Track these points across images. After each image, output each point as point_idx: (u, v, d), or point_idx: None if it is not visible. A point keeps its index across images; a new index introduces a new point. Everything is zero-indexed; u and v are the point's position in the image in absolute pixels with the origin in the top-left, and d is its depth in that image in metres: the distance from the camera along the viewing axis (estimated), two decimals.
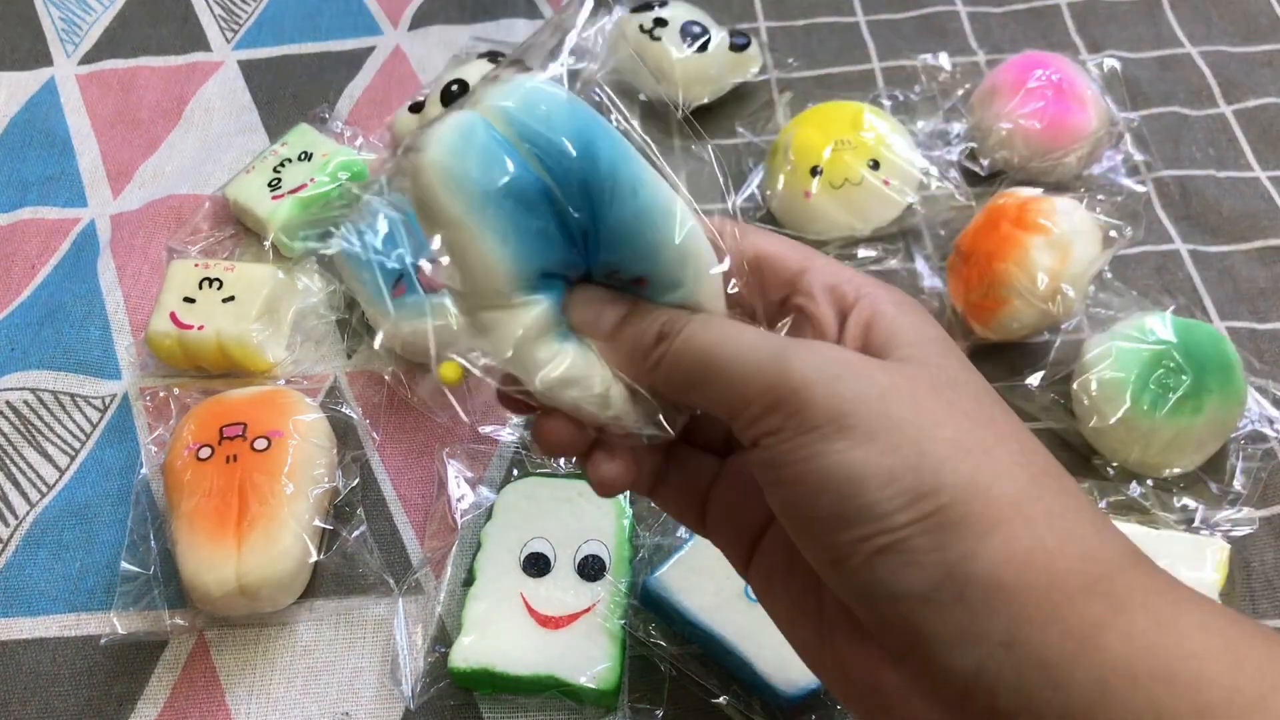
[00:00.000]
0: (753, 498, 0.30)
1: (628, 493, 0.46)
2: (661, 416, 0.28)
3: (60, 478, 0.51)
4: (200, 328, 0.52)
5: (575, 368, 0.27)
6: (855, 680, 0.27)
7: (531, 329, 0.27)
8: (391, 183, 0.26)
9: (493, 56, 0.64)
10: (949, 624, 0.23)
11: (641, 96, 0.31)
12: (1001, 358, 0.52)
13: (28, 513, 0.50)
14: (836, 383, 0.25)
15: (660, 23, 0.64)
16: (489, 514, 0.46)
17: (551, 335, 0.28)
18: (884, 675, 0.26)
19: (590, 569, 0.44)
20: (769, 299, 0.29)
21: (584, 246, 0.27)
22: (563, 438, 0.28)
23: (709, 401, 0.27)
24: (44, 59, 0.72)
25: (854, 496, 0.24)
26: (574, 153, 0.26)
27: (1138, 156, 0.61)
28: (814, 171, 0.57)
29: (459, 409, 0.33)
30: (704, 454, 0.32)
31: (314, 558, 0.45)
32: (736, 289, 0.28)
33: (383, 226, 0.29)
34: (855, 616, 0.26)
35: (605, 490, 0.29)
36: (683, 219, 0.27)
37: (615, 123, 0.28)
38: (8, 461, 0.51)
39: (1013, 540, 0.23)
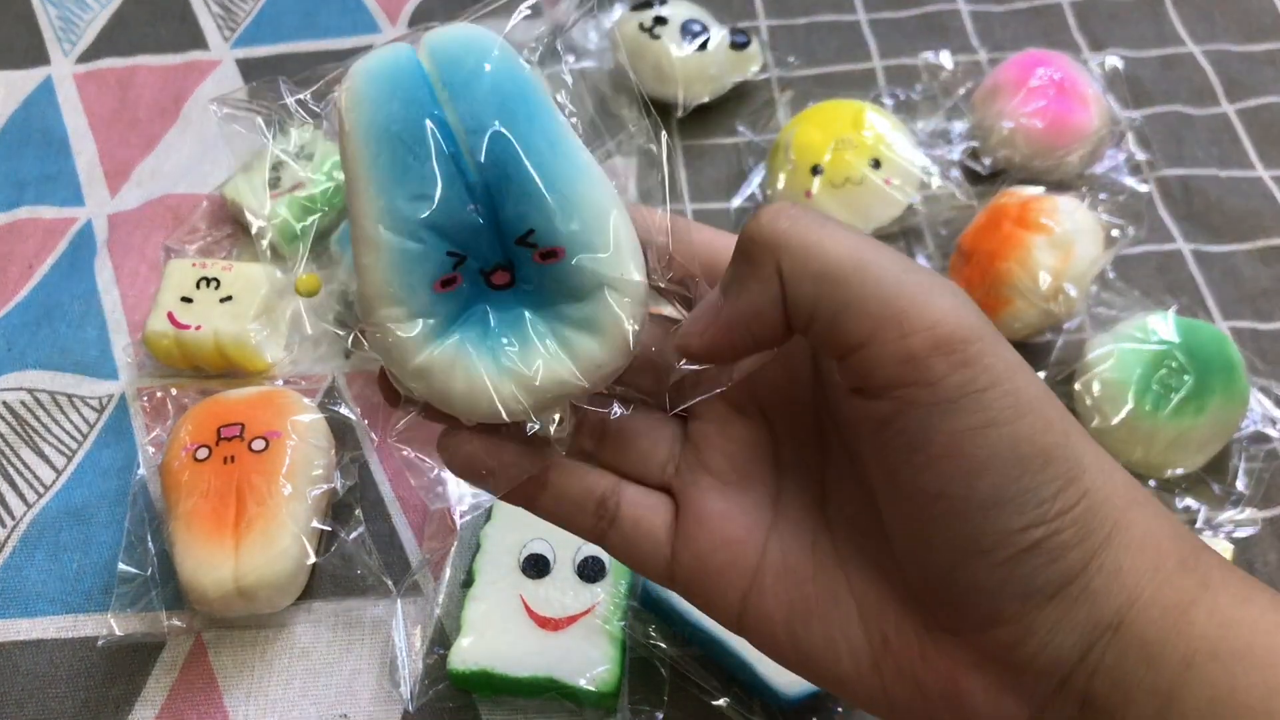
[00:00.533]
0: (740, 535, 0.26)
1: None
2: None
3: (57, 478, 0.51)
4: (198, 328, 0.52)
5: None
6: (931, 693, 0.24)
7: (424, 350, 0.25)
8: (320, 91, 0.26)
9: None
10: (1070, 617, 0.22)
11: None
12: None
13: (25, 514, 0.49)
14: (993, 338, 0.21)
15: (660, 21, 0.63)
16: (488, 515, 0.46)
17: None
18: (967, 680, 0.23)
19: (590, 570, 0.44)
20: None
21: (485, 205, 0.25)
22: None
23: (844, 315, 0.21)
24: (41, 57, 0.72)
25: (1017, 479, 0.21)
26: (490, 101, 0.25)
27: (1140, 155, 0.60)
28: (815, 171, 0.57)
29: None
30: (650, 490, 0.27)
31: (312, 559, 0.45)
32: (668, 277, 0.26)
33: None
34: (928, 627, 0.24)
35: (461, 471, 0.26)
36: (599, 178, 0.25)
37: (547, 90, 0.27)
38: (4, 462, 0.51)
39: (1134, 522, 0.22)
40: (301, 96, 0.26)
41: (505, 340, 0.25)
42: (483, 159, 0.25)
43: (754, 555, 0.26)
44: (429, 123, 0.24)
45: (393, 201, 0.24)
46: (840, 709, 0.41)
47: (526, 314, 0.25)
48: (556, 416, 0.26)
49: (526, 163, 0.25)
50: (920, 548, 0.23)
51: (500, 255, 0.25)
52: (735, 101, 0.65)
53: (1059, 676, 0.22)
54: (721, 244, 0.26)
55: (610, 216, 0.25)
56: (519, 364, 0.25)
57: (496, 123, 0.25)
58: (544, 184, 0.24)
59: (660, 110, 0.63)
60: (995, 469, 0.21)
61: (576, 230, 0.24)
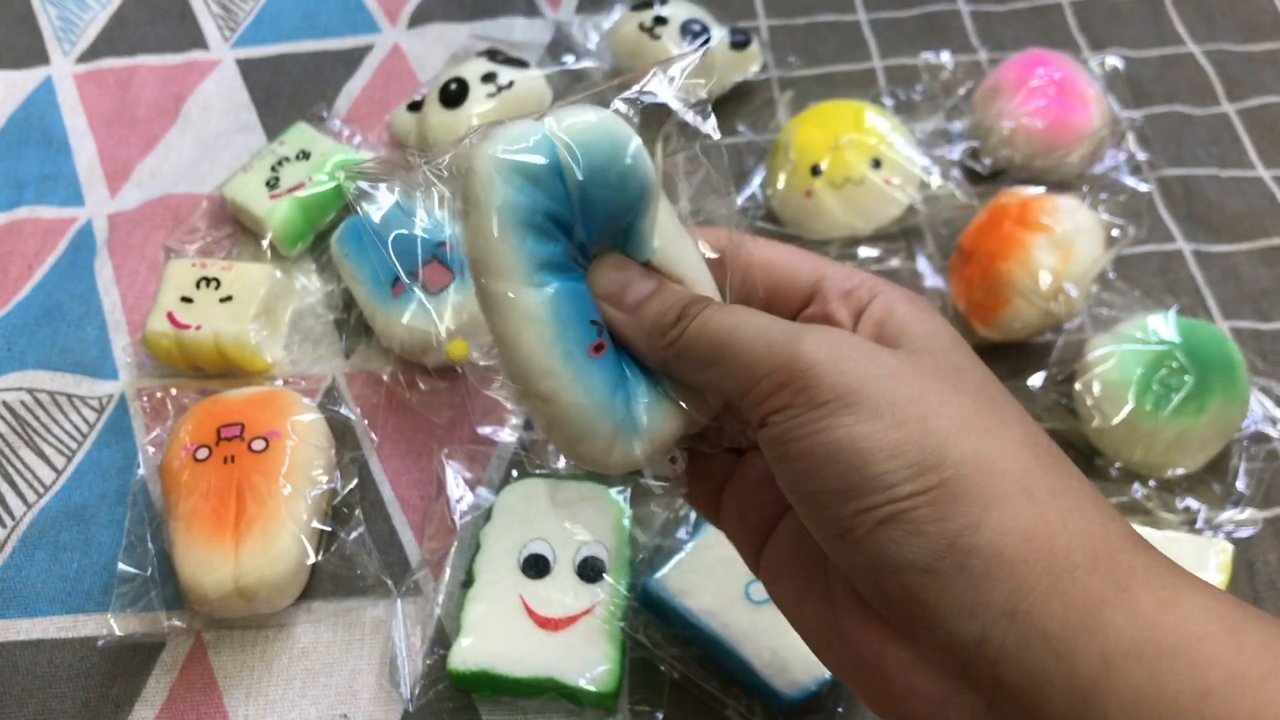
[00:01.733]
0: (765, 494, 0.31)
1: (628, 493, 0.46)
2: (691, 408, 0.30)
3: (57, 479, 0.51)
4: (198, 328, 0.52)
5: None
6: (861, 659, 0.27)
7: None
8: (451, 163, 0.28)
9: (492, 54, 0.63)
10: (951, 594, 0.24)
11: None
12: (1004, 358, 0.52)
13: (24, 514, 0.49)
14: (844, 362, 0.26)
15: (660, 21, 0.63)
16: (488, 515, 0.46)
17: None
18: (889, 652, 0.26)
19: (590, 570, 0.43)
20: (785, 310, 0.30)
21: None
22: None
23: (720, 379, 0.28)
24: (41, 57, 0.72)
25: (860, 468, 0.25)
26: (616, 201, 0.29)
27: (1140, 155, 0.60)
28: (815, 170, 0.57)
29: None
30: (722, 452, 0.33)
31: (312, 559, 0.45)
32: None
33: (432, 201, 0.30)
34: (860, 594, 0.26)
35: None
36: (689, 247, 0.30)
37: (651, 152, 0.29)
38: (4, 463, 0.51)
39: (1015, 514, 0.24)
40: (435, 169, 0.29)
41: (643, 400, 0.29)
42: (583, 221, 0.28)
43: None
44: (564, 215, 0.28)
45: (533, 277, 0.27)
46: (840, 709, 0.41)
47: (644, 374, 0.30)
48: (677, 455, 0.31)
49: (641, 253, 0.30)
50: (819, 536, 0.27)
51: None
52: (735, 101, 0.65)
53: (961, 656, 0.24)
54: (784, 259, 0.30)
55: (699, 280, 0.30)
56: (653, 418, 0.29)
57: (621, 221, 0.29)
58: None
59: (660, 111, 0.63)
60: (837, 462, 0.25)
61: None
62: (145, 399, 0.52)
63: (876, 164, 0.56)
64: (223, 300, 0.53)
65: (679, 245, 0.30)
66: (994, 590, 0.23)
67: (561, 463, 0.48)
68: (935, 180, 0.57)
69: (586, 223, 0.28)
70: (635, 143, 0.29)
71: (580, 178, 0.27)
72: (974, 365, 0.28)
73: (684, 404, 0.29)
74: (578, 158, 0.27)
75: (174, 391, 0.52)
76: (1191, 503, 0.46)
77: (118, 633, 0.44)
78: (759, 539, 0.31)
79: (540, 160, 0.27)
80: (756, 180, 0.61)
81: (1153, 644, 0.22)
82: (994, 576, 0.23)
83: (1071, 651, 0.22)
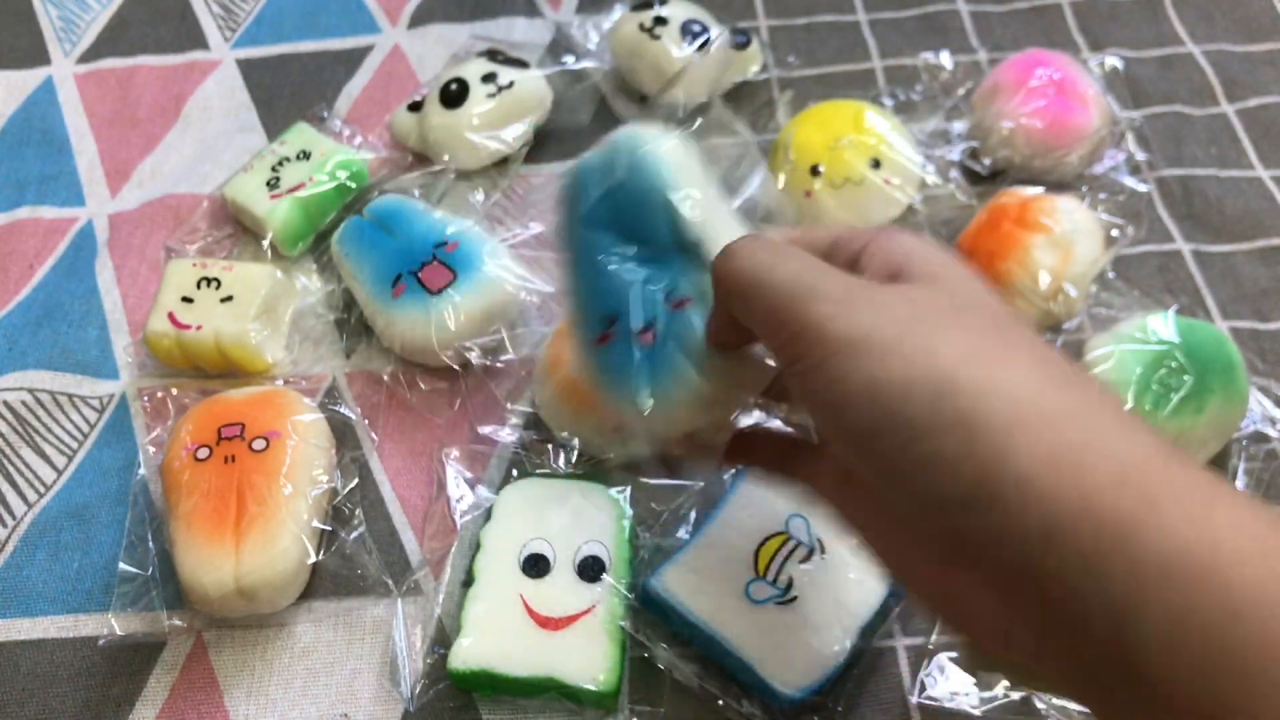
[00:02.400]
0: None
1: (628, 493, 0.47)
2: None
3: (58, 478, 0.51)
4: (198, 327, 0.52)
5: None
6: (926, 588, 0.29)
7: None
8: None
9: (492, 55, 0.63)
10: (990, 526, 0.24)
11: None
12: None
13: (25, 513, 0.49)
14: (854, 306, 0.27)
15: (660, 21, 0.64)
16: (488, 515, 0.46)
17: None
18: (951, 576, 0.27)
19: (590, 570, 0.44)
20: None
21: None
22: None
23: (750, 319, 0.30)
24: (42, 57, 0.72)
25: (877, 407, 0.26)
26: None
27: (1140, 156, 0.60)
28: (815, 171, 0.57)
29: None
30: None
31: (312, 559, 0.45)
32: None
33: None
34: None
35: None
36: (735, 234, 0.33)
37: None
38: (5, 462, 0.51)
39: (1037, 437, 0.24)
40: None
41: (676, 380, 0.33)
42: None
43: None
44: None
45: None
46: (840, 708, 0.41)
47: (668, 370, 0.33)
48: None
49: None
50: (867, 477, 0.28)
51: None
52: (735, 101, 0.65)
53: (1009, 581, 0.25)
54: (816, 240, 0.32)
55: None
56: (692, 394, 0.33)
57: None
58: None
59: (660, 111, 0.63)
60: (855, 405, 0.26)
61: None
62: (146, 399, 0.52)
63: (876, 164, 0.56)
64: (223, 300, 0.53)
65: (719, 219, 0.34)
66: (1028, 517, 0.23)
67: (561, 461, 0.48)
68: (935, 180, 0.57)
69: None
70: (646, 143, 0.34)
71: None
72: (985, 297, 0.28)
73: (692, 400, 0.32)
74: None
75: (175, 391, 0.52)
76: None
77: (118, 632, 0.44)
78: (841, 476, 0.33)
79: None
80: (757, 180, 0.61)
81: (1183, 565, 0.22)
82: (1026, 504, 0.24)
83: (1105, 573, 0.23)
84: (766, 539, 0.44)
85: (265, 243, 0.57)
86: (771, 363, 0.33)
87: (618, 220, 0.34)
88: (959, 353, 0.25)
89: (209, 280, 0.53)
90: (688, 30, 0.63)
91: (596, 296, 0.35)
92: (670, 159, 0.34)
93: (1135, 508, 0.23)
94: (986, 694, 0.41)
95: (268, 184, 0.58)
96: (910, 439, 0.25)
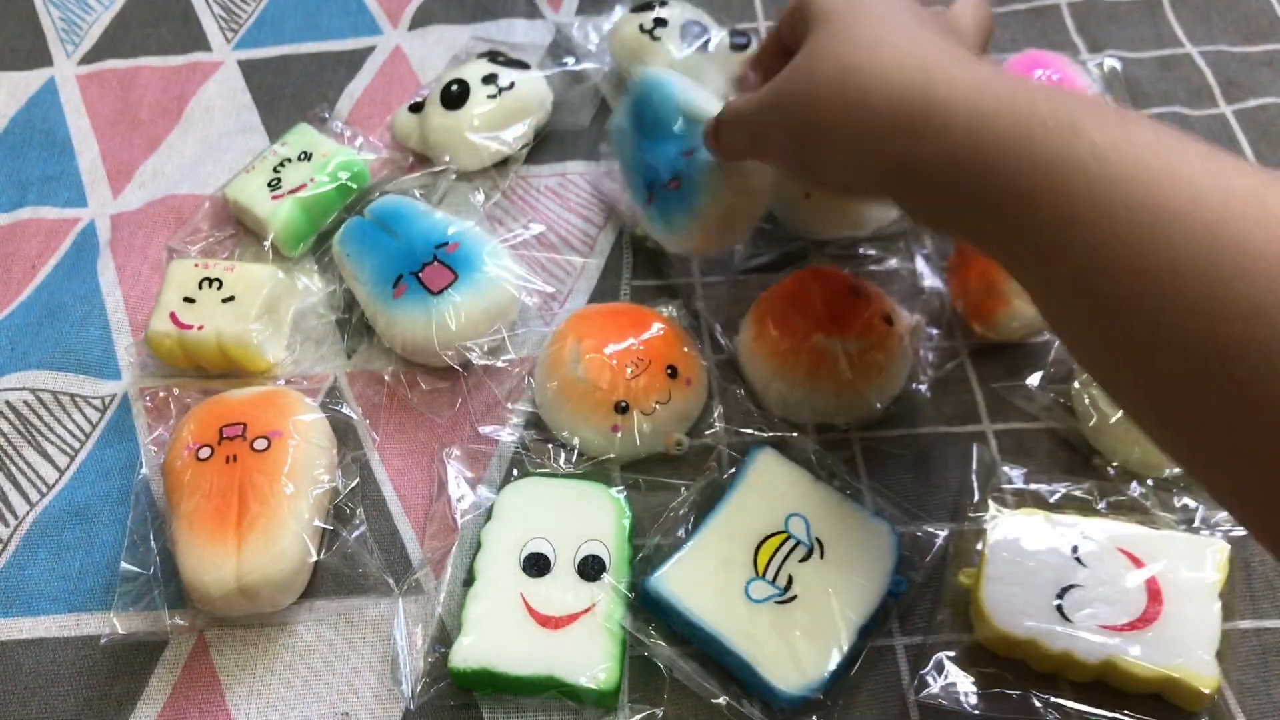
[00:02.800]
0: None
1: (627, 492, 0.47)
2: None
3: (60, 478, 0.51)
4: (200, 328, 0.52)
5: None
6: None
7: None
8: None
9: (492, 56, 0.64)
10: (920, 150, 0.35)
11: None
12: (1001, 358, 0.52)
13: (27, 513, 0.50)
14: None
15: (660, 23, 0.64)
16: (489, 514, 0.46)
17: None
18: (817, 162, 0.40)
19: (590, 569, 0.44)
20: None
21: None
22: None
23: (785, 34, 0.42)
24: (44, 59, 0.72)
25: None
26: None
27: None
28: None
29: None
30: None
31: (314, 558, 0.45)
32: None
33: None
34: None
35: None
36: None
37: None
38: (7, 462, 0.51)
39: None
40: None
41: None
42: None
43: None
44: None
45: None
46: (839, 707, 0.41)
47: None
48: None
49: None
50: None
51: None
52: None
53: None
54: None
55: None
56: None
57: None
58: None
59: None
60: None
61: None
62: (148, 399, 0.53)
63: None
64: (225, 300, 0.53)
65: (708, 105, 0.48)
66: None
67: (561, 461, 0.49)
68: None
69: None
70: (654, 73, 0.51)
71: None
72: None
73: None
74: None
75: (176, 391, 0.52)
76: (1189, 501, 0.46)
77: (120, 631, 0.44)
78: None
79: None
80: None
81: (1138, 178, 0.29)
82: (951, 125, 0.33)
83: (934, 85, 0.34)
84: (766, 538, 0.44)
85: (267, 243, 0.57)
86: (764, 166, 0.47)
87: (643, 123, 0.51)
88: (848, 52, 0.36)
89: (211, 280, 0.54)
90: (688, 32, 0.63)
91: (639, 173, 0.52)
92: (671, 78, 0.50)
93: (1064, 143, 0.30)
94: (985, 692, 0.41)
95: (269, 185, 0.59)
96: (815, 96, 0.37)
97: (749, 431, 0.49)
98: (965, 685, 0.41)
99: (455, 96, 0.61)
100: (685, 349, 0.51)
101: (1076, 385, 0.49)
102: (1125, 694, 0.40)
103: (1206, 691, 0.39)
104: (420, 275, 0.52)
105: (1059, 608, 0.41)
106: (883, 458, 0.49)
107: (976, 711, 0.41)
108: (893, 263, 0.57)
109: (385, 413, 0.52)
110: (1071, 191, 0.29)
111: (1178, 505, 0.46)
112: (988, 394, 0.51)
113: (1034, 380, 0.50)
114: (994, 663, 0.42)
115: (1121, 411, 0.46)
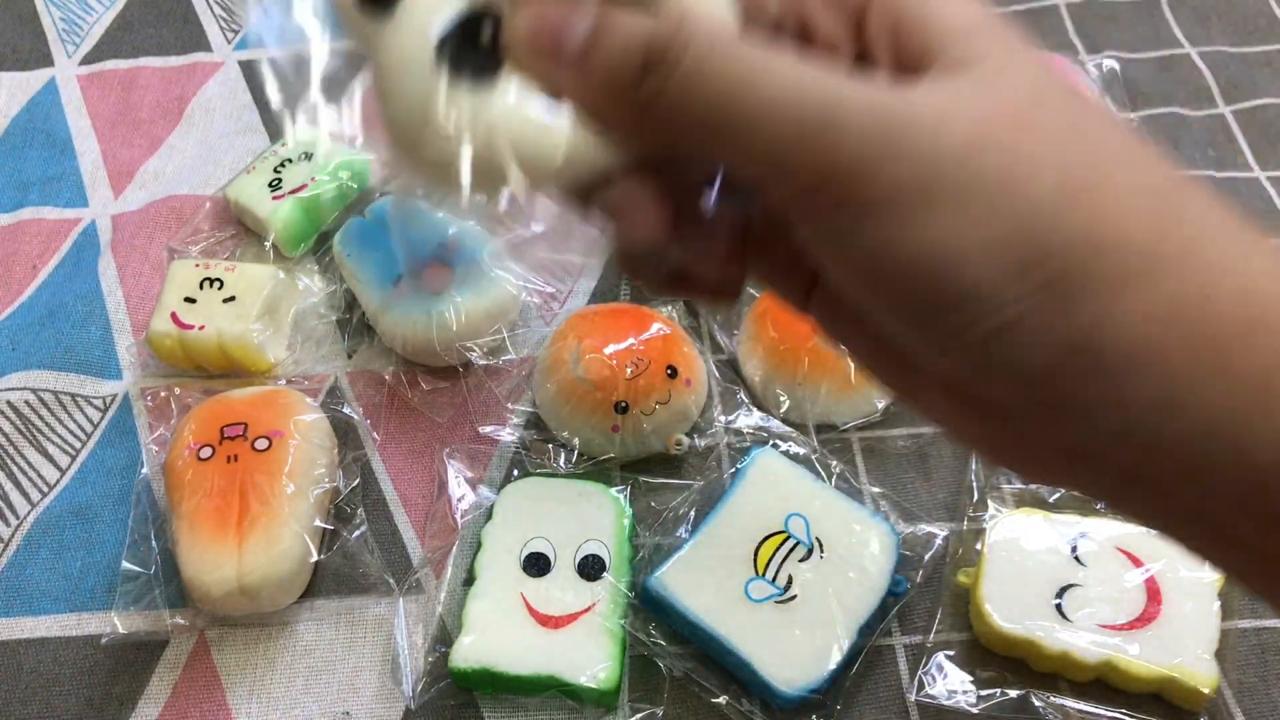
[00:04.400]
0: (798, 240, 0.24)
1: (626, 492, 0.47)
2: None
3: (61, 478, 0.51)
4: (201, 328, 0.52)
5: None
6: (951, 425, 0.24)
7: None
8: None
9: None
10: (1089, 394, 0.20)
11: None
12: None
13: (29, 512, 0.50)
14: (892, 147, 0.19)
15: None
16: (489, 514, 0.46)
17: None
18: (990, 429, 0.23)
19: (590, 569, 0.44)
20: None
21: None
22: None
23: (730, 163, 0.22)
24: (45, 59, 0.72)
25: (950, 280, 0.19)
26: None
27: None
28: None
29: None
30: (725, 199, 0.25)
31: (314, 558, 0.45)
32: None
33: None
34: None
35: (630, 248, 0.24)
36: None
37: None
38: (9, 461, 0.52)
39: (1153, 294, 0.19)
40: None
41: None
42: None
43: None
44: None
45: None
46: (839, 706, 0.41)
47: None
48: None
49: None
50: (907, 344, 0.22)
51: None
52: None
53: (1100, 448, 0.21)
54: None
55: None
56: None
57: None
58: None
59: None
60: (919, 276, 0.20)
61: None
62: (149, 398, 0.53)
63: None
64: (226, 300, 0.53)
65: None
66: (1143, 385, 0.19)
67: (561, 461, 0.49)
68: None
69: None
70: None
71: None
72: (1044, 73, 0.21)
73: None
74: None
75: (177, 391, 0.52)
76: None
77: (121, 631, 0.44)
78: (803, 286, 0.25)
79: None
80: None
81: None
82: (1140, 371, 0.19)
83: (1248, 437, 0.19)
84: (766, 538, 0.44)
85: (267, 243, 0.57)
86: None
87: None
88: (1047, 196, 0.19)
89: (211, 281, 0.54)
90: None
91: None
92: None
93: (1273, 361, 0.19)
94: (984, 692, 0.41)
95: (270, 185, 0.59)
96: (983, 312, 0.19)
97: (749, 431, 0.50)
98: (965, 685, 0.41)
99: None
100: (685, 349, 0.51)
101: None
102: (1124, 693, 0.40)
103: (1205, 691, 0.39)
104: (421, 275, 0.52)
105: (1058, 607, 0.41)
106: (882, 457, 0.49)
107: (976, 711, 0.41)
108: None
109: (386, 413, 0.52)
110: None
111: None
112: None
113: None
114: (993, 662, 0.42)
115: None
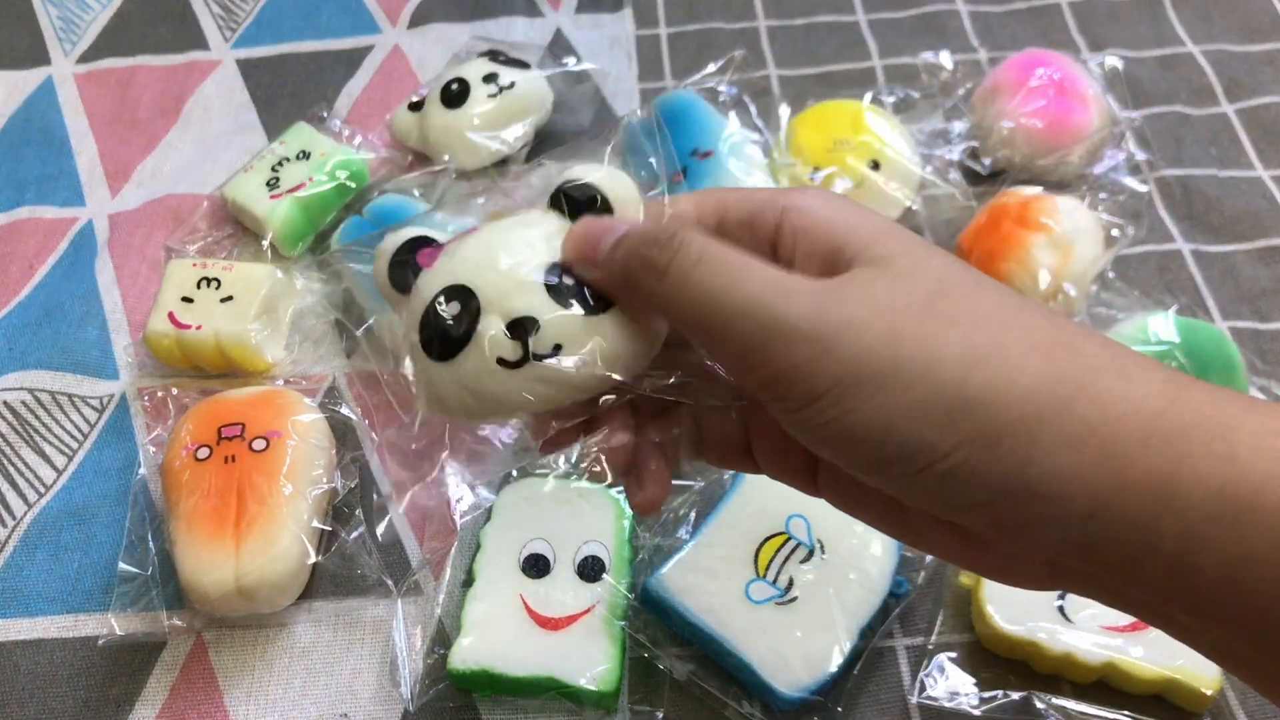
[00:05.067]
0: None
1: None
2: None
3: (58, 478, 0.51)
4: (198, 327, 0.52)
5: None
6: (949, 551, 0.28)
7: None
8: None
9: (493, 55, 0.63)
10: (1026, 514, 0.24)
11: None
12: None
13: (25, 513, 0.49)
14: (831, 345, 0.24)
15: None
16: (488, 515, 0.46)
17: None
18: (980, 554, 0.27)
19: (590, 570, 0.44)
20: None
21: None
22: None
23: (711, 353, 0.28)
24: (42, 58, 0.72)
25: (890, 443, 0.24)
26: None
27: (1140, 155, 0.60)
28: (814, 172, 0.57)
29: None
30: (723, 409, 0.32)
31: (312, 559, 0.45)
32: None
33: None
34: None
35: (648, 509, 0.31)
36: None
37: None
38: (5, 462, 0.51)
39: (1060, 435, 0.23)
40: None
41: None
42: None
43: None
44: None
45: None
46: (840, 708, 0.41)
47: None
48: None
49: None
50: (880, 488, 0.27)
51: None
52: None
53: (1048, 557, 0.26)
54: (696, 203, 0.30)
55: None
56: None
57: None
58: None
59: None
60: (864, 442, 0.25)
61: None
62: (146, 399, 0.52)
63: (875, 166, 0.56)
64: (223, 300, 0.53)
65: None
66: (1071, 503, 0.23)
67: (561, 461, 0.48)
68: (934, 181, 0.57)
69: None
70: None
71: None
72: (942, 262, 0.26)
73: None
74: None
75: (175, 391, 0.52)
76: None
77: (118, 632, 0.44)
78: (807, 470, 0.31)
79: None
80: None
81: (1229, 504, 0.22)
82: (1066, 494, 0.23)
83: (1155, 533, 0.23)
84: (766, 539, 0.44)
85: (265, 243, 0.57)
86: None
87: None
88: (954, 363, 0.24)
89: (209, 280, 0.53)
90: None
91: None
92: None
93: (1165, 466, 0.23)
94: (986, 694, 0.41)
95: (268, 184, 0.58)
96: (929, 463, 0.24)
97: None
98: (966, 686, 0.41)
99: (455, 95, 0.60)
100: None
101: None
102: (1127, 695, 0.40)
103: (1208, 693, 0.39)
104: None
105: (1060, 609, 0.41)
106: None
107: (977, 713, 0.41)
108: None
109: (384, 413, 0.52)
110: None
111: None
112: None
113: None
114: (995, 664, 0.42)
115: None
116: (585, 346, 0.27)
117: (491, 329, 0.28)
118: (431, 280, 0.29)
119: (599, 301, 0.28)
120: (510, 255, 0.29)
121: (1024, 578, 0.27)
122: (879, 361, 0.24)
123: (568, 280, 0.28)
